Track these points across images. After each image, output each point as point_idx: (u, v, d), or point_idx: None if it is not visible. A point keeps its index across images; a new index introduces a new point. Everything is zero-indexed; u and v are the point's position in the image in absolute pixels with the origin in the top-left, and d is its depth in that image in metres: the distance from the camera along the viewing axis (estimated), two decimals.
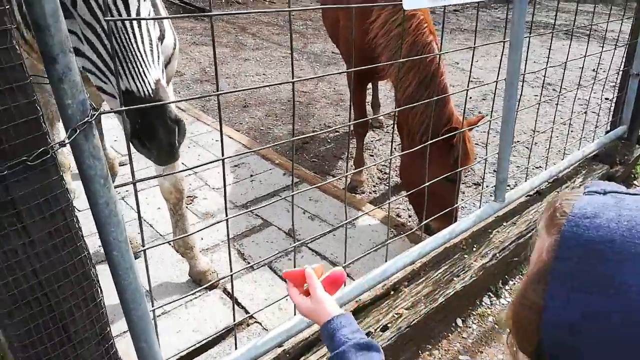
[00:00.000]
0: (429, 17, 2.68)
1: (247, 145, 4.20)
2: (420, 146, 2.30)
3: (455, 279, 2.40)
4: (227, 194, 3.44)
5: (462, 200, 3.48)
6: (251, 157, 3.93)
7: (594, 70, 6.15)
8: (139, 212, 1.32)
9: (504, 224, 2.90)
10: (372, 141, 4.60)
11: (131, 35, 1.42)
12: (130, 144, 1.47)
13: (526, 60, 2.34)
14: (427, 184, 2.18)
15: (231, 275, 1.59)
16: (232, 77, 6.34)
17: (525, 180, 3.11)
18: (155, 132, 1.40)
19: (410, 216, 3.45)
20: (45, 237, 1.06)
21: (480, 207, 2.64)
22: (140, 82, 1.40)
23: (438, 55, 2.41)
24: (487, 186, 3.69)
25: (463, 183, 3.71)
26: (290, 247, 1.78)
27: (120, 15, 1.41)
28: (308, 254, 2.76)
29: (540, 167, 4.01)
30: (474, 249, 2.63)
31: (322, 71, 6.85)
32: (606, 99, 4.71)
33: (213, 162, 1.41)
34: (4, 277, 1.02)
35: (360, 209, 3.24)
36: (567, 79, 6.44)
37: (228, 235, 1.55)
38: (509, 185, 2.91)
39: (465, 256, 2.57)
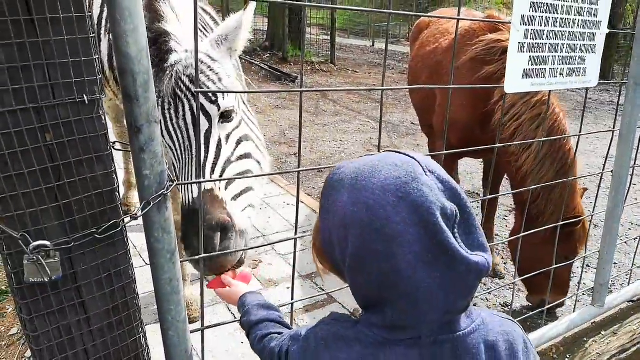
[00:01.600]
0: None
1: (317, 210, 4.12)
2: (542, 228, 2.32)
3: None
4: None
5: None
6: None
7: None
8: (202, 286, 1.23)
9: (602, 332, 2.51)
10: None
11: (195, 152, 1.48)
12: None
13: (637, 150, 2.10)
14: (555, 266, 2.20)
15: None
16: (309, 142, 6.44)
17: (628, 283, 2.73)
18: (189, 239, 1.39)
19: (489, 308, 3.12)
20: (102, 314, 0.99)
21: (575, 311, 2.31)
22: (185, 192, 1.44)
23: (572, 145, 2.45)
24: (580, 282, 3.28)
25: None
26: None
27: (192, 147, 1.49)
28: None
29: None
30: None
31: (399, 142, 6.78)
32: None
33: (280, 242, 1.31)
34: (54, 355, 0.95)
35: None
36: None
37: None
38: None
39: None
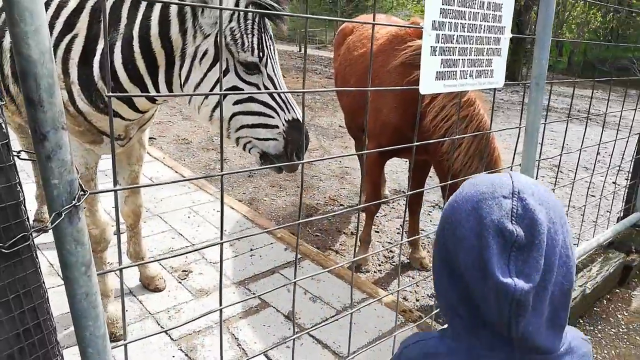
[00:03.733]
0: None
1: (248, 216, 4.08)
2: None
3: None
4: (225, 268, 3.28)
5: None
6: (252, 230, 3.80)
7: (598, 153, 6.14)
8: (122, 298, 1.17)
9: None
10: (377, 217, 4.48)
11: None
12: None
13: (541, 145, 2.28)
14: None
15: None
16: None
17: None
18: (307, 144, 1.87)
19: (417, 300, 3.25)
20: (12, 339, 0.91)
21: None
22: (299, 112, 1.84)
23: (497, 143, 2.62)
24: None
25: None
26: (289, 337, 1.60)
27: (275, 73, 1.88)
28: (308, 342, 2.55)
29: None
30: None
31: (328, 144, 6.88)
32: (613, 182, 4.64)
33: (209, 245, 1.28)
34: None
35: (365, 291, 3.05)
36: (574, 163, 6.45)
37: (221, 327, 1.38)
38: None
39: None
